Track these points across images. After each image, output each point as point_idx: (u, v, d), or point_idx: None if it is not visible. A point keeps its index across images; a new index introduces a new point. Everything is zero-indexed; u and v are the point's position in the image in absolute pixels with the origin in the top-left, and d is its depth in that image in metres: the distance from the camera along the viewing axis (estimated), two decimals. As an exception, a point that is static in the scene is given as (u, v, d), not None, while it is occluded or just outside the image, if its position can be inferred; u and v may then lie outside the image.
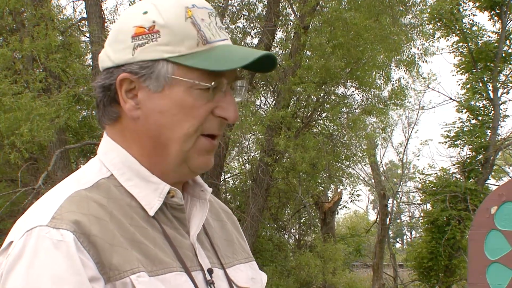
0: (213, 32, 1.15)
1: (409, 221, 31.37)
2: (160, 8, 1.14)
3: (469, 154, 16.03)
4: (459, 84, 16.46)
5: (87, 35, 11.29)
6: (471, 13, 16.26)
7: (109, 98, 1.18)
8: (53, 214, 1.07)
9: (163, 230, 1.16)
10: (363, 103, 13.10)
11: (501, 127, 18.08)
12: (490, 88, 15.75)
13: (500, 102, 15.68)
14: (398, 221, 33.35)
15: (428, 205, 16.49)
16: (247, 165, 14.86)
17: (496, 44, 15.38)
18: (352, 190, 17.15)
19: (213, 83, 1.13)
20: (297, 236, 17.56)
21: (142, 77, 1.14)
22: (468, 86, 16.03)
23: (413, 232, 32.22)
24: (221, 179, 13.35)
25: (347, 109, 13.23)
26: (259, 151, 12.79)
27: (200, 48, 1.13)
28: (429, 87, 17.31)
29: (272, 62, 1.18)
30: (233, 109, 1.16)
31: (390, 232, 22.80)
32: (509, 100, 18.82)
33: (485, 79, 15.71)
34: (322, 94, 12.58)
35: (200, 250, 1.20)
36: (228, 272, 1.25)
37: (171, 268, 1.13)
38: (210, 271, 1.19)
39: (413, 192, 22.10)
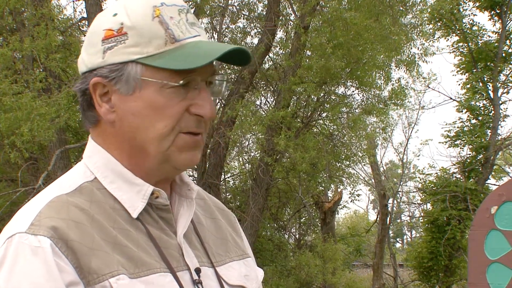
0: (182, 29, 1.14)
1: (409, 221, 31.39)
2: (128, 9, 1.14)
3: (469, 154, 16.04)
4: (459, 84, 16.49)
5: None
6: (471, 13, 16.29)
7: (86, 102, 1.18)
8: (32, 221, 1.07)
9: (147, 231, 1.15)
10: (363, 103, 13.10)
11: (501, 127, 18.14)
12: (490, 88, 15.76)
13: (500, 102, 15.70)
14: (398, 221, 33.34)
15: (428, 205, 16.51)
16: (247, 165, 14.87)
17: (496, 44, 15.39)
18: (352, 190, 17.16)
19: (181, 82, 1.12)
20: (297, 236, 17.57)
21: (112, 81, 1.14)
22: (468, 86, 16.05)
23: (413, 232, 32.24)
24: (221, 179, 13.35)
25: (347, 109, 13.23)
26: (259, 151, 12.79)
27: (168, 47, 1.12)
28: (429, 87, 17.33)
29: (247, 56, 1.17)
30: (208, 106, 1.15)
31: (390, 232, 22.80)
32: (509, 100, 18.83)
33: (485, 79, 15.72)
34: (322, 94, 12.58)
35: (187, 250, 1.20)
36: (219, 271, 1.24)
37: (155, 269, 1.12)
38: (198, 271, 1.19)
39: (413, 192, 22.11)
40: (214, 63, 1.17)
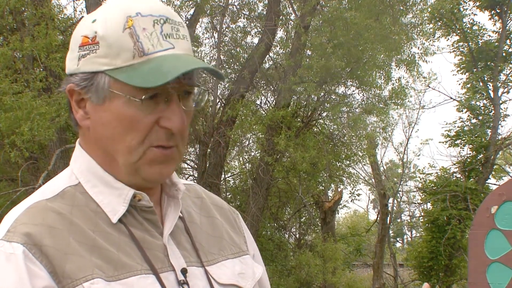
0: (153, 42, 1.10)
1: (409, 221, 31.39)
2: (104, 17, 1.12)
3: (470, 154, 16.04)
4: (459, 84, 16.56)
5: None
6: (472, 13, 16.40)
7: (68, 105, 1.18)
8: (9, 228, 1.09)
9: (130, 234, 1.14)
10: (363, 102, 13.09)
11: (502, 126, 18.14)
12: (491, 87, 15.77)
13: (500, 102, 15.71)
14: (399, 220, 33.32)
15: (429, 204, 16.52)
16: (247, 164, 14.86)
17: (496, 44, 15.40)
18: (352, 189, 17.17)
19: (143, 97, 1.09)
20: (297, 236, 17.57)
21: (84, 89, 1.13)
22: (468, 85, 16.06)
23: (414, 231, 32.21)
24: (222, 179, 13.34)
25: (348, 109, 13.22)
26: (259, 151, 12.79)
27: (136, 61, 1.09)
28: (429, 87, 17.32)
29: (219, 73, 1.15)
30: (176, 119, 1.11)
31: (391, 232, 22.79)
32: (510, 100, 18.82)
33: (486, 78, 15.73)
34: (322, 94, 12.58)
35: (174, 250, 1.18)
36: (209, 270, 1.22)
37: (135, 272, 1.11)
38: (184, 271, 1.17)
39: (414, 191, 22.11)
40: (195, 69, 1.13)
